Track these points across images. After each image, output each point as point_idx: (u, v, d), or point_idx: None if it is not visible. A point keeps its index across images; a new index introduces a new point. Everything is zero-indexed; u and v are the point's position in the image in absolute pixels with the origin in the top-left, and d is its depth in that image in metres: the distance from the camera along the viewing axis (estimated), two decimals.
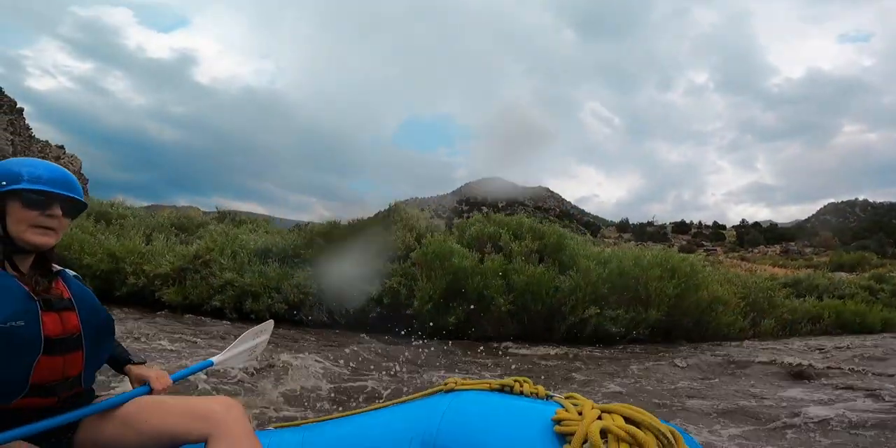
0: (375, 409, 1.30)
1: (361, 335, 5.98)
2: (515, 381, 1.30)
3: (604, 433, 0.93)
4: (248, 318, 6.44)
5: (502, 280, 6.46)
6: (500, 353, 5.46)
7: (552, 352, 5.79)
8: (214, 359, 1.48)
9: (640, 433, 0.90)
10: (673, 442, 0.92)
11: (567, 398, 1.21)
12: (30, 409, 1.01)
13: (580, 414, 1.03)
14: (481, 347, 5.35)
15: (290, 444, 1.21)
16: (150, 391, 1.20)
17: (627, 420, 0.96)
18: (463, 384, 1.30)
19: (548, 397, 1.26)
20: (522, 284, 6.40)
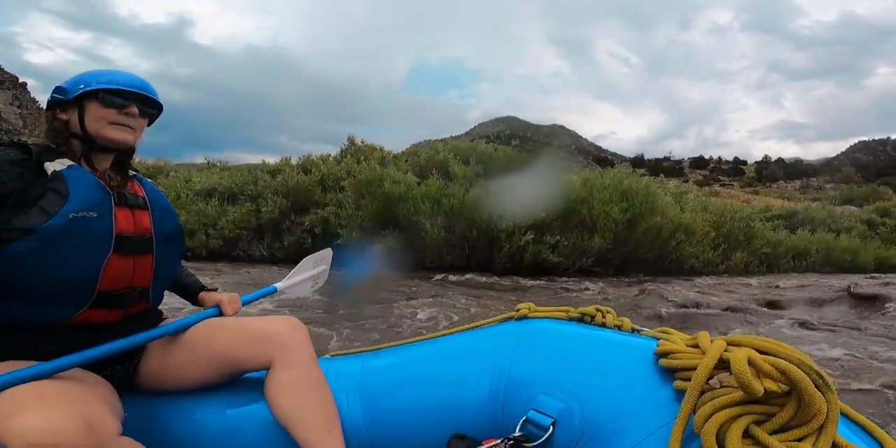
0: (440, 336, 1.19)
1: None
2: (598, 310, 1.14)
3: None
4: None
5: (435, 205, 6.05)
6: (430, 282, 5.17)
7: (482, 280, 5.45)
8: (277, 285, 1.44)
9: (791, 368, 0.68)
10: (829, 383, 0.70)
11: (661, 332, 1.04)
12: (92, 326, 0.95)
13: (693, 348, 0.85)
14: (416, 278, 5.08)
15: (350, 372, 1.13)
16: (220, 314, 1.16)
17: (763, 354, 0.74)
18: (536, 311, 1.17)
19: (635, 331, 1.09)
20: (456, 209, 5.98)
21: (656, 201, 7.09)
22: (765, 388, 0.68)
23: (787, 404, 0.69)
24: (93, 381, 0.88)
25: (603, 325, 1.11)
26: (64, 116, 1.05)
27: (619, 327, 1.11)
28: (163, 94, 1.14)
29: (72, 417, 0.68)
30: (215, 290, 1.28)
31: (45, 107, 1.10)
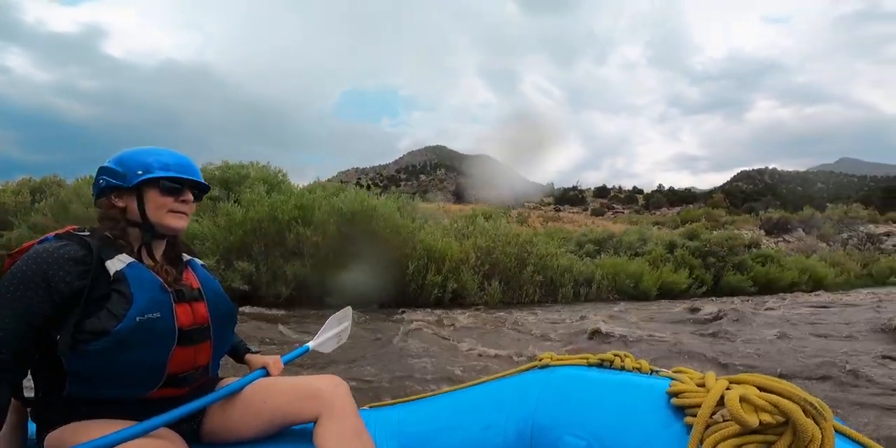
0: (469, 386, 1.28)
1: None
2: (616, 355, 1.22)
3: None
4: None
5: None
6: None
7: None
8: (310, 344, 1.57)
9: (783, 401, 0.78)
10: (822, 413, 0.78)
11: (676, 372, 1.11)
12: (163, 400, 1.06)
13: (700, 387, 0.94)
14: None
15: (388, 421, 1.22)
16: (267, 374, 1.24)
17: (762, 390, 0.84)
18: (559, 360, 1.25)
19: (653, 372, 1.16)
20: None
21: (401, 229, 6.92)
22: (762, 420, 0.77)
23: (784, 433, 0.77)
24: (171, 436, 1.02)
25: (622, 369, 1.17)
26: (121, 204, 1.07)
27: (637, 369, 1.17)
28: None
29: None
30: (258, 352, 1.38)
31: (94, 191, 1.10)
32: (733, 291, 10.93)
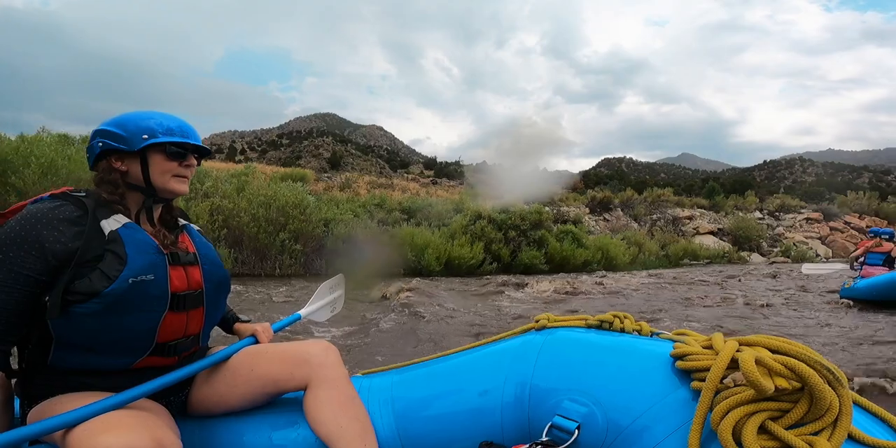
0: (464, 350, 1.24)
1: None
2: (615, 316, 1.18)
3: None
4: None
5: None
6: None
7: None
8: (301, 312, 1.53)
9: (800, 365, 0.73)
10: (840, 379, 0.74)
11: (679, 334, 1.08)
12: (150, 369, 1.02)
13: (707, 349, 0.90)
14: None
15: (381, 387, 1.19)
16: (256, 342, 1.22)
17: (774, 352, 0.79)
18: (556, 321, 1.21)
19: (653, 334, 1.13)
20: None
21: None
22: (777, 386, 0.72)
23: (800, 400, 0.73)
24: (156, 408, 0.98)
25: (622, 330, 1.14)
26: (122, 167, 1.04)
27: (637, 331, 1.14)
28: None
29: (144, 438, 0.80)
30: (248, 321, 1.35)
31: (90, 153, 1.07)
32: (527, 269, 10.10)
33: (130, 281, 0.92)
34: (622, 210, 20.24)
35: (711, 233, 19.07)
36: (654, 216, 19.09)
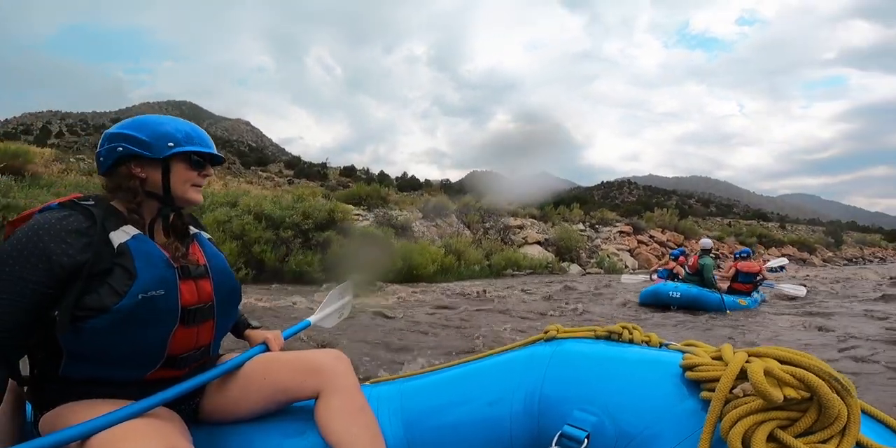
0: (473, 360, 1.25)
1: None
2: (623, 327, 1.19)
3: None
4: None
5: None
6: None
7: None
8: (311, 319, 1.54)
9: (808, 376, 0.74)
10: (848, 389, 0.75)
11: (687, 345, 1.10)
12: (161, 381, 1.02)
13: (716, 360, 0.92)
14: None
15: (390, 396, 1.20)
16: (267, 350, 1.22)
17: (783, 363, 0.81)
18: (565, 332, 1.22)
19: (662, 345, 1.14)
20: None
21: None
22: (786, 395, 0.74)
23: (809, 409, 0.74)
24: (169, 415, 0.99)
25: (631, 341, 1.15)
26: (142, 174, 1.02)
27: (646, 342, 1.15)
28: None
29: (160, 446, 0.82)
30: (259, 327, 1.34)
31: (106, 157, 1.02)
32: (298, 277, 8.16)
33: (140, 296, 0.91)
34: (457, 216, 19.43)
35: (539, 242, 19.21)
36: (488, 224, 18.69)
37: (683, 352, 1.03)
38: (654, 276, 8.16)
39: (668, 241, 22.20)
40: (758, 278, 7.39)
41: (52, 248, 0.88)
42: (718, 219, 48.87)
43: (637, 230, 21.96)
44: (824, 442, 0.71)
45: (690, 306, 6.40)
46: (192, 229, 1.14)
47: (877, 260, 39.96)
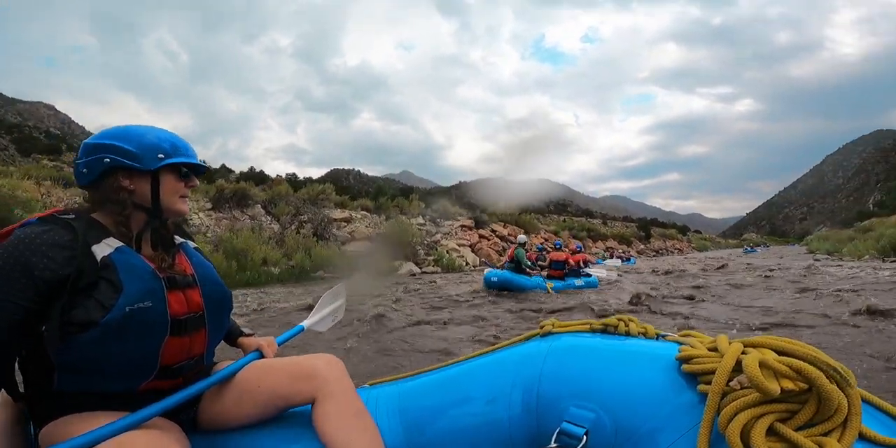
0: (470, 357, 1.24)
1: None
2: (619, 320, 1.17)
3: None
4: None
5: None
6: None
7: None
8: (304, 323, 1.51)
9: (806, 367, 0.72)
10: (847, 379, 0.73)
11: (684, 336, 1.08)
12: (157, 391, 1.01)
13: (712, 351, 0.90)
14: None
15: (388, 397, 1.18)
16: (261, 357, 1.21)
17: (780, 354, 0.79)
18: (561, 326, 1.21)
19: (659, 336, 1.12)
20: None
21: None
22: (783, 387, 0.72)
23: (808, 401, 0.72)
24: (167, 425, 0.98)
25: (627, 334, 1.13)
26: (129, 185, 1.00)
27: (643, 334, 1.13)
28: None
29: None
30: (252, 334, 1.32)
31: (90, 169, 0.99)
32: None
33: (127, 309, 0.90)
34: (263, 207, 15.39)
35: (368, 238, 16.30)
36: (305, 217, 15.19)
37: (680, 343, 1.03)
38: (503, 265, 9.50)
39: (509, 235, 21.43)
40: (569, 266, 9.43)
41: (33, 263, 0.87)
42: (555, 216, 52.84)
43: (479, 224, 20.76)
44: (825, 434, 0.70)
45: (506, 288, 8.16)
46: (178, 239, 1.13)
47: (676, 251, 46.52)
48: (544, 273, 9.23)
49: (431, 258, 16.15)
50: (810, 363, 0.72)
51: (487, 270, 8.55)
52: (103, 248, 0.93)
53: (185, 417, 1.08)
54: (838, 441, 0.68)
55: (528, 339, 1.19)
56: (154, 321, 0.93)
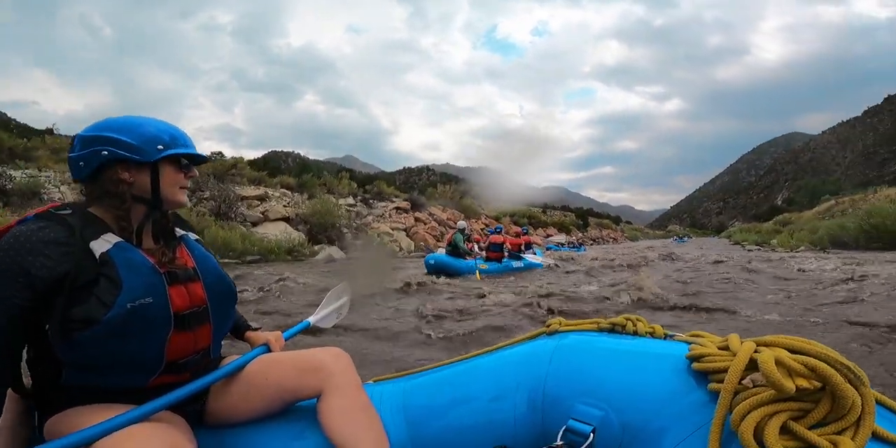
0: (475, 355, 1.23)
1: None
2: (627, 319, 1.16)
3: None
4: None
5: None
6: None
7: None
8: (310, 319, 1.54)
9: (820, 365, 0.72)
10: (861, 378, 0.73)
11: (693, 336, 1.07)
12: (165, 386, 1.01)
13: (723, 350, 0.89)
14: None
15: (393, 394, 1.18)
16: (268, 351, 1.21)
17: (793, 352, 0.78)
18: (568, 325, 1.20)
19: (667, 336, 1.11)
20: None
21: None
22: (798, 386, 0.71)
23: (821, 400, 0.71)
24: (174, 419, 0.98)
25: (635, 333, 1.13)
26: (129, 178, 0.98)
27: (651, 333, 1.12)
28: None
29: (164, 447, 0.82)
30: (259, 329, 1.33)
31: (87, 162, 0.96)
32: None
33: (128, 306, 0.89)
34: None
35: (286, 219, 14.24)
36: (206, 193, 12.87)
37: (689, 342, 1.01)
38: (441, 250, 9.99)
39: (447, 219, 20.06)
40: (509, 249, 10.17)
41: (29, 261, 0.86)
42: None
43: (416, 206, 19.22)
44: (839, 433, 0.69)
45: (442, 271, 8.62)
46: (179, 231, 1.11)
47: (612, 240, 47.63)
48: (484, 254, 9.96)
49: (360, 243, 14.42)
50: (824, 362, 0.72)
51: (428, 254, 9.19)
52: (101, 245, 0.92)
53: (194, 411, 1.08)
54: (852, 439, 0.67)
55: (533, 337, 1.20)
56: (156, 317, 0.93)
